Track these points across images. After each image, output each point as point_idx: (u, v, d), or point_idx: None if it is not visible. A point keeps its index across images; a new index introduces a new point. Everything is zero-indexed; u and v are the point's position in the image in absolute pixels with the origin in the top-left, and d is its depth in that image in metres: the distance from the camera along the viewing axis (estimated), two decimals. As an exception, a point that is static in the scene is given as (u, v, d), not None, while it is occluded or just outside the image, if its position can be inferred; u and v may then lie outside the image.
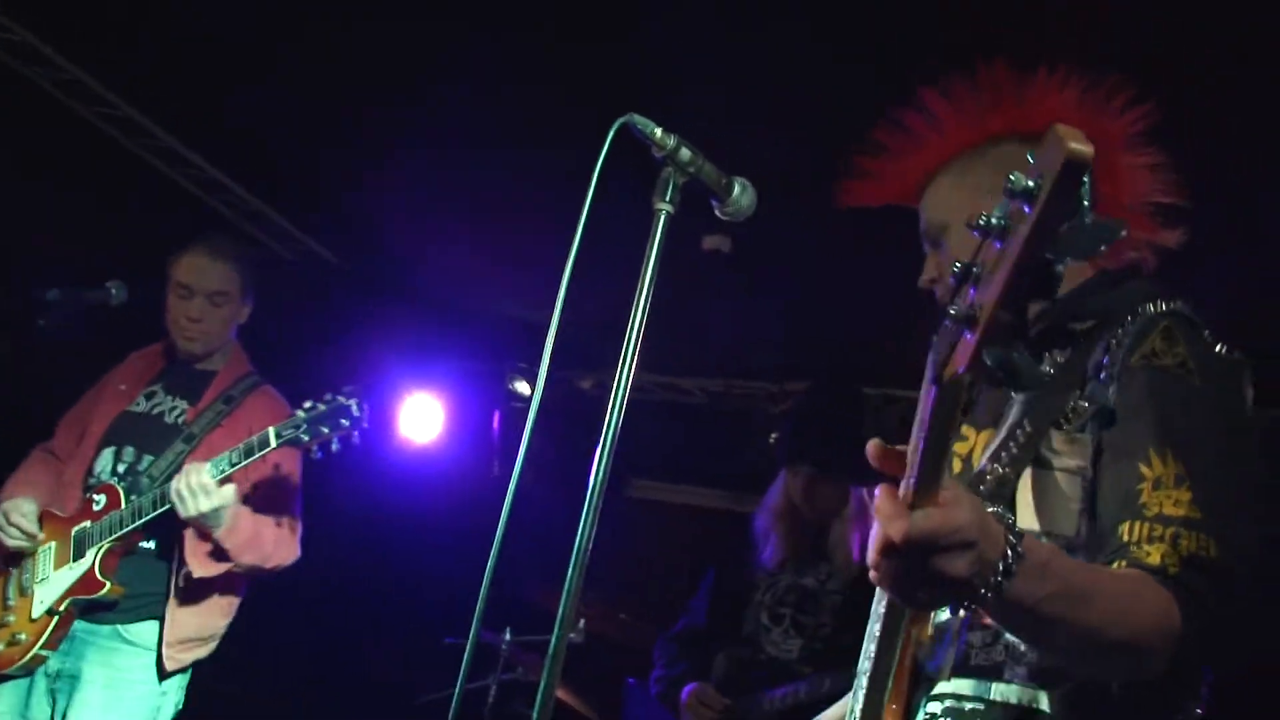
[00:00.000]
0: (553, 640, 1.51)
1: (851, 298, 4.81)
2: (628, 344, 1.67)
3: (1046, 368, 1.73)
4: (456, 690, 1.69)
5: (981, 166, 1.88)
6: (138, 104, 4.49)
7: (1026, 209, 0.99)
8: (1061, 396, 1.67)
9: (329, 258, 5.72)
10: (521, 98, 3.87)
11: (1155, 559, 1.45)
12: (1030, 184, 0.99)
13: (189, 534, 3.24)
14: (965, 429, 1.87)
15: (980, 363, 1.05)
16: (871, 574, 1.28)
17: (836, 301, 4.97)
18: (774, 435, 4.17)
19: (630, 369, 1.65)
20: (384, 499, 6.05)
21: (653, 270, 1.73)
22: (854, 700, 1.66)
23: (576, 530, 1.62)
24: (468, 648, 1.63)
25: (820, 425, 3.98)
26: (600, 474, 1.60)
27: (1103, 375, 1.65)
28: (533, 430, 1.75)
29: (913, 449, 1.20)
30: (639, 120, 1.80)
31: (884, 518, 1.20)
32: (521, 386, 6.53)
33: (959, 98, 1.89)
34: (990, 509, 1.28)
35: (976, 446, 1.80)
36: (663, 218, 1.78)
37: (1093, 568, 1.48)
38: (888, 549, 1.21)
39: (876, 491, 1.23)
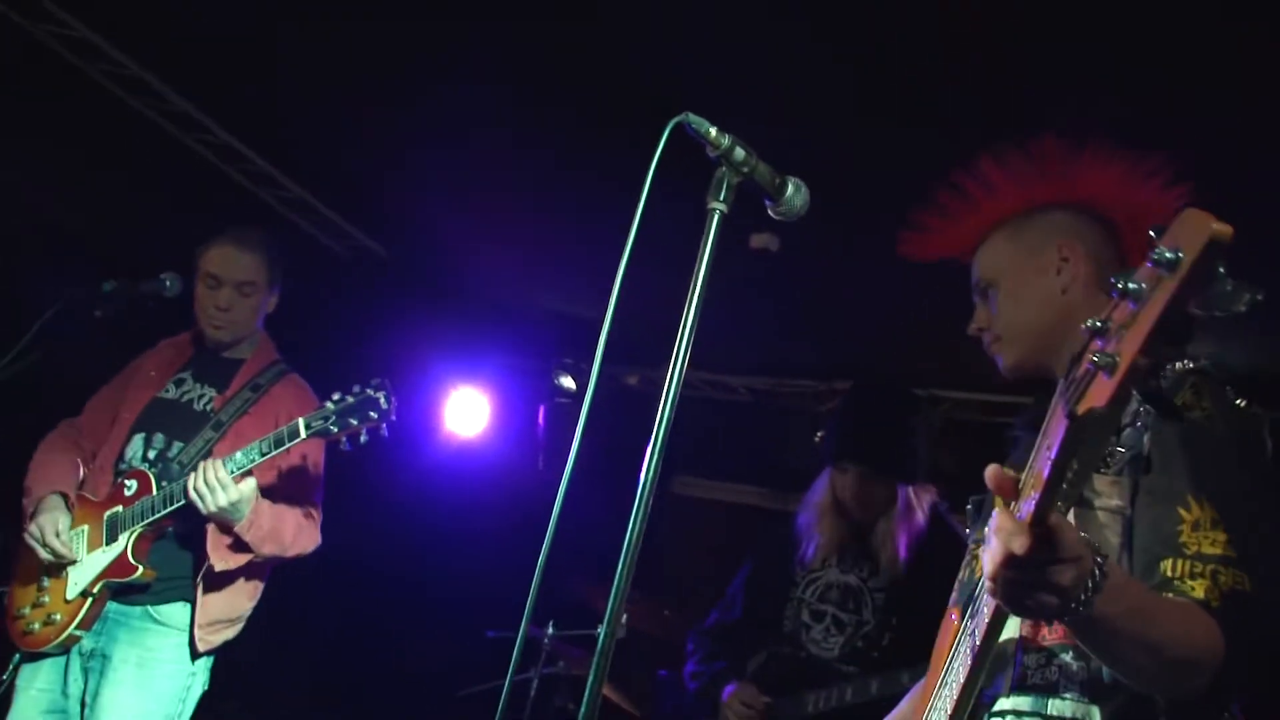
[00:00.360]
0: (601, 637, 1.52)
1: (898, 298, 4.78)
2: (680, 343, 1.67)
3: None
4: (506, 683, 1.70)
5: (1032, 231, 2.10)
6: (191, 98, 4.55)
7: (1166, 275, 1.14)
8: (1102, 443, 1.82)
9: (378, 251, 5.76)
10: (571, 93, 3.88)
11: (1199, 593, 1.63)
12: (1170, 256, 1.14)
13: (210, 528, 3.29)
14: (1006, 470, 2.01)
15: (1120, 398, 1.20)
16: (988, 585, 1.46)
17: (883, 301, 4.95)
18: (820, 434, 4.15)
19: (682, 368, 1.66)
20: (428, 492, 6.09)
21: (705, 269, 1.73)
22: (938, 702, 1.84)
23: (619, 525, 1.62)
24: (517, 642, 1.64)
25: (870, 424, 3.96)
26: (650, 473, 1.60)
27: (1138, 424, 1.79)
28: (584, 427, 1.76)
29: (1037, 475, 1.37)
30: (694, 119, 1.80)
31: (1006, 534, 1.38)
32: (567, 382, 6.54)
33: (1012, 166, 2.09)
34: (1081, 534, 1.46)
35: (1025, 490, 1.94)
36: (716, 217, 1.78)
37: (1153, 593, 1.65)
38: (1010, 561, 1.38)
39: (994, 513, 1.42)
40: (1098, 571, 1.42)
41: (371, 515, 3.55)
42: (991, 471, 1.46)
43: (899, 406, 4.05)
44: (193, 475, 3.18)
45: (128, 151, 4.82)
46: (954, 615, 1.97)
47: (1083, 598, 1.42)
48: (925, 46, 3.19)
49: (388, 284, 5.90)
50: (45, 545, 3.32)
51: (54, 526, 3.33)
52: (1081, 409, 1.26)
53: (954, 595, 2.12)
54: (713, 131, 1.81)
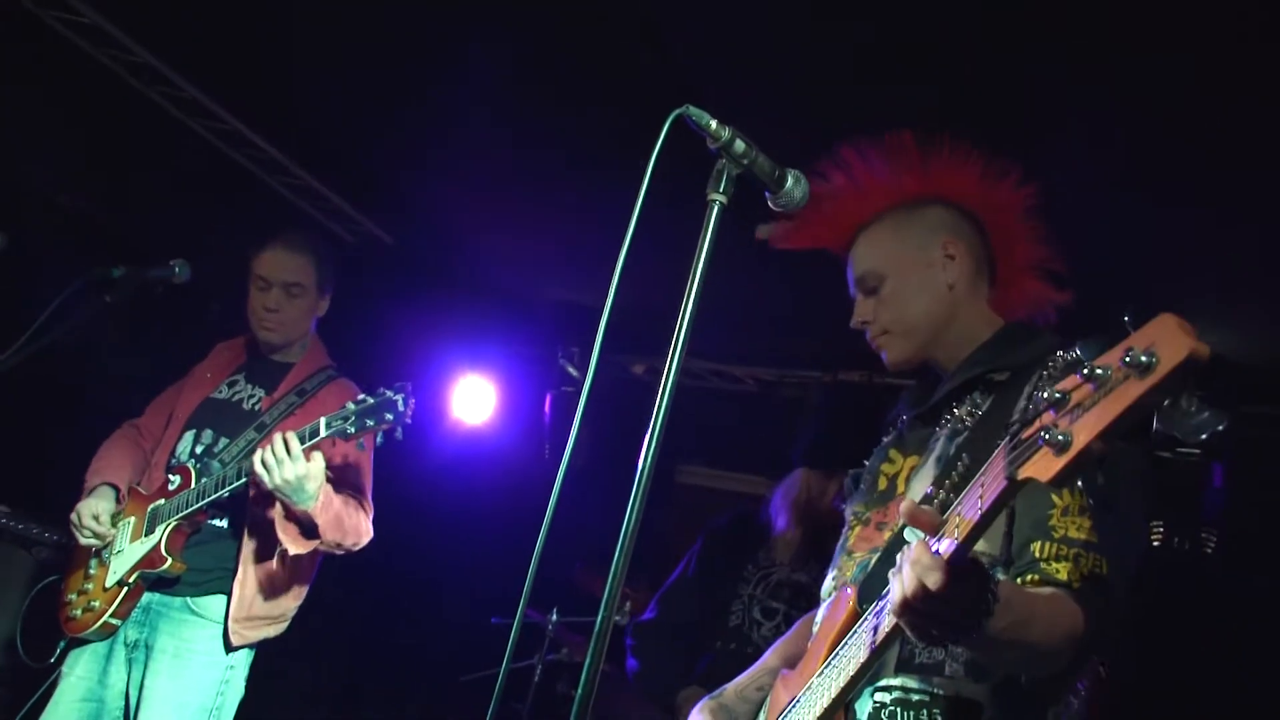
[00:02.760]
0: (598, 620, 1.54)
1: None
2: (678, 332, 1.69)
3: (971, 409, 2.05)
4: (502, 669, 1.72)
5: (915, 226, 2.18)
6: (200, 85, 4.56)
7: (1135, 376, 1.15)
8: (993, 435, 1.88)
9: (386, 239, 5.78)
10: (578, 82, 3.89)
11: (1064, 575, 1.77)
12: (1145, 359, 1.14)
13: (277, 512, 3.31)
14: (893, 453, 2.24)
15: (1062, 479, 1.23)
16: (895, 609, 1.54)
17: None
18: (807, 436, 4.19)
19: (679, 357, 1.67)
20: (435, 480, 6.10)
21: (704, 260, 1.75)
22: (823, 679, 1.92)
23: (624, 514, 1.64)
24: (514, 627, 1.66)
25: (852, 428, 4.02)
26: (648, 459, 1.61)
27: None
28: (583, 414, 1.77)
29: (964, 520, 1.45)
30: (694, 112, 1.82)
31: (922, 568, 1.47)
32: (573, 370, 6.56)
33: (873, 159, 2.17)
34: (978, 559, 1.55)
35: (903, 470, 2.16)
36: (715, 208, 1.79)
37: (1028, 594, 1.76)
38: (923, 594, 1.47)
39: (913, 546, 1.50)
40: (990, 596, 1.52)
41: (377, 502, 3.57)
42: (908, 507, 1.54)
43: (866, 402, 4.12)
44: (264, 446, 3.16)
45: (137, 138, 4.84)
46: (849, 591, 2.00)
47: (980, 622, 1.52)
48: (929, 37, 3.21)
49: (395, 271, 5.92)
50: (83, 527, 3.40)
51: (91, 511, 3.41)
52: (1022, 475, 1.31)
53: (836, 569, 2.19)
54: (713, 124, 1.82)
